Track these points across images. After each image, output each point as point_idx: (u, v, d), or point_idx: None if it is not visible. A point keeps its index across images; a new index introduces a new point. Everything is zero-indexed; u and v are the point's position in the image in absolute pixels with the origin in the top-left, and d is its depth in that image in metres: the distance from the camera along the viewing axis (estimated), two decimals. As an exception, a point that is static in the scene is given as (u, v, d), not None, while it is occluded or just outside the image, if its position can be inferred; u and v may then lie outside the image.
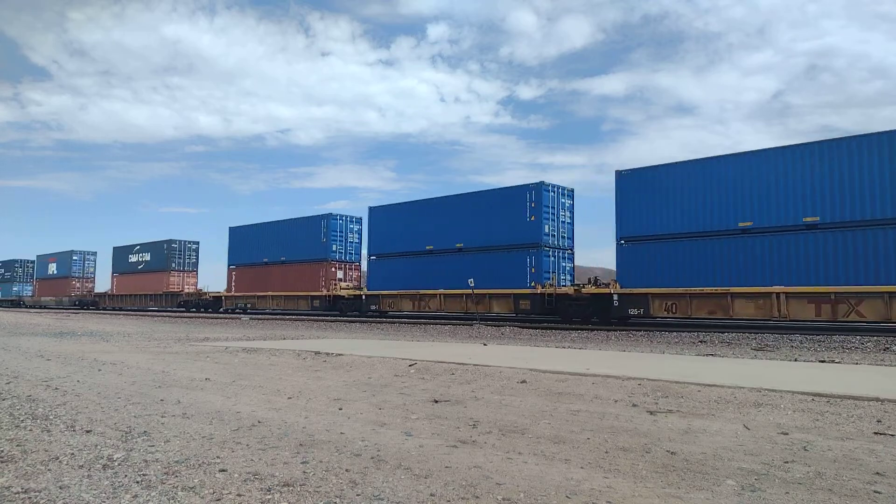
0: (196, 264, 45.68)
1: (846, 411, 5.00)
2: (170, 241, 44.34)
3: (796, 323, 16.90)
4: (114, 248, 50.93)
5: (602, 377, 6.93)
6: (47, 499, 2.87)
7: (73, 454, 3.67)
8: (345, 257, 31.20)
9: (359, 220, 31.62)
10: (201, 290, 41.98)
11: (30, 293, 64.19)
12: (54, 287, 57.23)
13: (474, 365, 8.19)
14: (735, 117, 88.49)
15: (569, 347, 12.30)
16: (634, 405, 5.35)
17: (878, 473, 3.32)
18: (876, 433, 4.25)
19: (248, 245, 35.25)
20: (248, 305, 34.66)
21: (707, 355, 10.55)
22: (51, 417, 4.81)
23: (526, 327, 19.71)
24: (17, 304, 64.17)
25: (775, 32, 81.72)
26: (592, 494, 2.96)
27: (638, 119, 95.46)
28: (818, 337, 14.41)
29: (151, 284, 44.74)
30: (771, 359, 9.85)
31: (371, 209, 28.70)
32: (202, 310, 39.40)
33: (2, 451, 3.73)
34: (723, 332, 15.96)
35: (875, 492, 3.01)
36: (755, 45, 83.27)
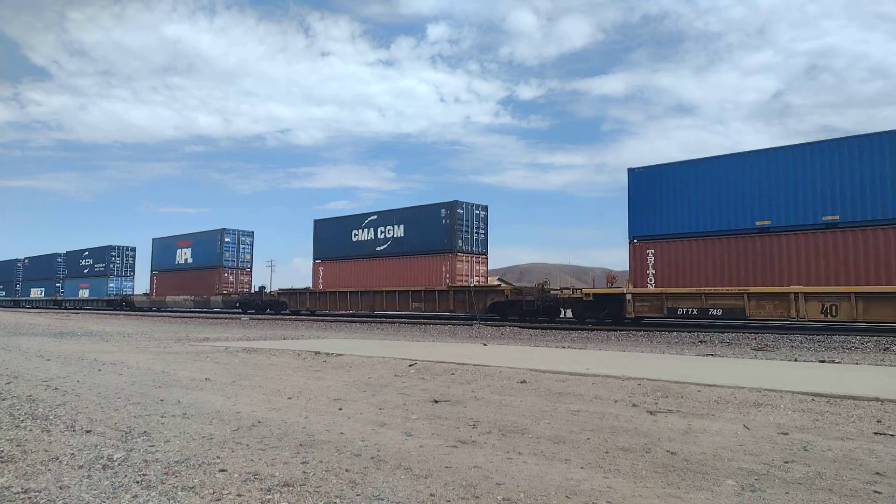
0: (486, 243, 27.45)
1: (846, 411, 5.00)
2: (452, 204, 26.25)
3: (801, 323, 17.03)
4: (315, 221, 32.84)
5: (602, 377, 6.93)
6: (47, 499, 2.87)
7: (73, 454, 3.67)
8: None
9: None
10: (546, 283, 23.45)
11: (133, 290, 46.58)
12: (189, 282, 39.49)
13: (474, 365, 8.19)
14: (735, 117, 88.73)
15: (569, 347, 12.31)
16: (634, 405, 5.35)
17: (878, 473, 3.32)
18: (876, 433, 4.25)
19: (707, 197, 17.63)
20: (715, 310, 16.89)
21: (707, 355, 10.55)
22: (51, 417, 4.81)
23: (525, 327, 19.72)
24: (117, 305, 45.21)
25: (775, 32, 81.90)
26: (592, 494, 2.96)
27: (638, 119, 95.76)
28: (818, 337, 14.42)
29: (420, 275, 26.97)
30: (771, 359, 9.86)
31: None
32: (570, 323, 20.79)
33: (2, 451, 3.73)
34: (723, 332, 15.97)
35: (875, 492, 3.01)
36: (755, 45, 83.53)
